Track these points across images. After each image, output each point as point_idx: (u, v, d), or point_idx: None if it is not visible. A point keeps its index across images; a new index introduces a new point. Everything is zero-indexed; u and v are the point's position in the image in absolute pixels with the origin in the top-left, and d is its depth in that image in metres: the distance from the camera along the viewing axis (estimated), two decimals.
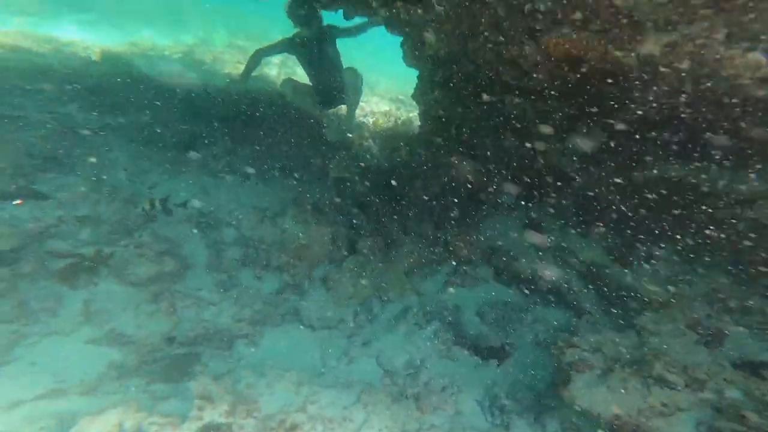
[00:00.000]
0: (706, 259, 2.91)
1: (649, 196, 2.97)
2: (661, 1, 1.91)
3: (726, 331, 2.50)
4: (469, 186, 4.42)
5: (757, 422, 2.11)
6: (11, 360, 2.67)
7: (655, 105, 2.45)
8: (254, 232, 4.10)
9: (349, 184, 4.77)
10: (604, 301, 3.49)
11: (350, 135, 5.69)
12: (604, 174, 3.34)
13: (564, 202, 3.84)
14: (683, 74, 2.16)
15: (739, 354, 2.47)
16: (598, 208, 3.54)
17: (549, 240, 3.86)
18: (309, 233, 4.02)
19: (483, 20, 2.96)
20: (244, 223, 4.15)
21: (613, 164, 3.25)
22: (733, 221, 2.67)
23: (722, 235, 2.73)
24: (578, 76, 2.52)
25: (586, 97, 2.79)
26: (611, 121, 2.84)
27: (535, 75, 2.75)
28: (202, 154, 4.70)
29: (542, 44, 2.42)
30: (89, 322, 3.05)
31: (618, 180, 3.25)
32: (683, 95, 2.29)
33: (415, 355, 3.42)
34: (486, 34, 2.95)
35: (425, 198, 4.51)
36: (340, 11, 5.64)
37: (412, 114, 8.46)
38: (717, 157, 2.56)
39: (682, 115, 2.43)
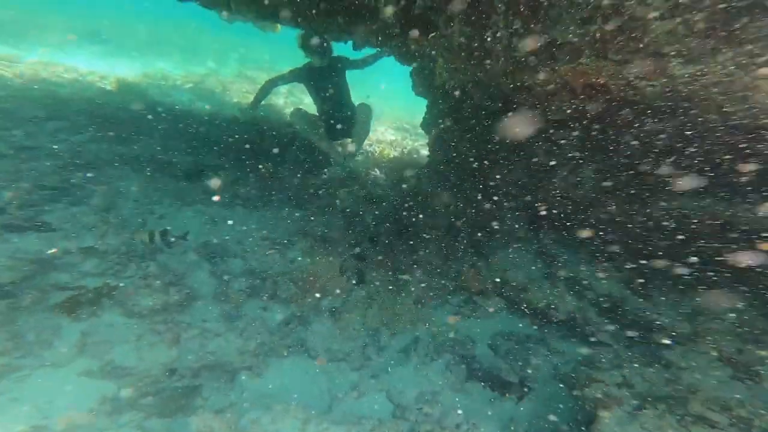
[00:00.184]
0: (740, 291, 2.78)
1: (669, 225, 2.89)
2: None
3: (760, 368, 2.36)
4: (480, 215, 4.36)
5: None
6: None
7: (676, 134, 2.40)
8: (262, 263, 4.03)
9: (357, 214, 4.73)
10: (625, 334, 3.35)
11: (351, 168, 5.67)
12: (621, 205, 3.27)
13: (577, 232, 3.76)
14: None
15: None
16: (614, 239, 3.45)
17: (562, 270, 3.76)
18: (317, 264, 3.95)
19: (495, 50, 2.99)
20: (252, 254, 4.09)
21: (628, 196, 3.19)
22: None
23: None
24: (597, 105, 2.50)
25: (603, 126, 2.76)
26: (627, 154, 2.81)
27: (551, 104, 2.74)
28: (211, 184, 4.71)
29: (560, 73, 2.41)
30: (86, 354, 2.91)
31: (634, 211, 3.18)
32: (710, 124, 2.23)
33: (427, 388, 3.27)
34: (500, 60, 2.96)
35: (434, 227, 4.45)
36: (350, 42, 5.79)
37: (418, 143, 8.54)
38: (746, 188, 2.47)
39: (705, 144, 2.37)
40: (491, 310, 3.98)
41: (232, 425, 2.63)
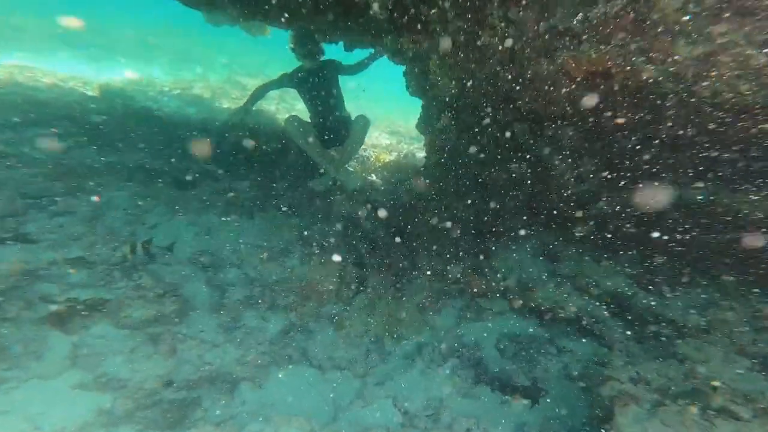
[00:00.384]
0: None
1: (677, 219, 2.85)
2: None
3: None
4: (481, 216, 4.30)
5: None
6: None
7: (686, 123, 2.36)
8: (259, 272, 3.91)
9: (355, 219, 4.64)
10: (634, 330, 3.30)
11: (342, 178, 5.51)
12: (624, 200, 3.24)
13: (580, 230, 3.72)
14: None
15: None
16: (619, 235, 3.42)
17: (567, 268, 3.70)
18: (316, 271, 3.84)
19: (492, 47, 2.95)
20: (249, 263, 3.96)
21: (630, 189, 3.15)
22: None
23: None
24: (601, 94, 2.46)
25: (606, 119, 2.72)
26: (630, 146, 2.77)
27: (551, 96, 2.70)
28: (204, 192, 4.58)
29: (561, 63, 2.37)
30: (78, 366, 2.77)
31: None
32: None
33: (435, 394, 3.16)
34: (497, 59, 2.93)
35: (434, 230, 4.38)
36: (341, 43, 5.73)
37: (413, 146, 8.50)
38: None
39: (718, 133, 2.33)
40: (495, 311, 3.90)
41: None
